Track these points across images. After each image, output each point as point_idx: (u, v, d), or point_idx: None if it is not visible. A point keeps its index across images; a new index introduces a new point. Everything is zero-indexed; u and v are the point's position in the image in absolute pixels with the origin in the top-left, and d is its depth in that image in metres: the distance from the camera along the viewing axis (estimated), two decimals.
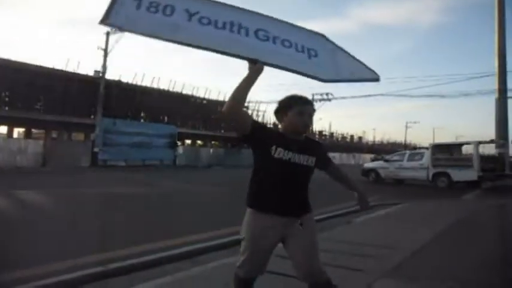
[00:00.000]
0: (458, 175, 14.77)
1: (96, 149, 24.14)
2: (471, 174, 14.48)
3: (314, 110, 2.25)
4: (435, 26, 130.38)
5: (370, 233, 5.71)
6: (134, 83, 35.38)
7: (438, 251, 4.71)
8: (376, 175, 17.94)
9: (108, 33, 26.00)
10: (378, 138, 78.60)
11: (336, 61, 2.45)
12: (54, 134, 31.70)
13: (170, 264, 4.02)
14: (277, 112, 2.25)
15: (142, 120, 35.37)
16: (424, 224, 6.47)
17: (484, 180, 14.81)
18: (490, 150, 20.71)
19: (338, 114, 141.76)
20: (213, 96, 42.29)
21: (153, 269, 3.85)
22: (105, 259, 3.99)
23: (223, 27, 2.35)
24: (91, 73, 29.13)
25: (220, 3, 2.45)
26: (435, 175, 15.37)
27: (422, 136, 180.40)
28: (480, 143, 15.86)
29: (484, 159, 15.76)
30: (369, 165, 20.38)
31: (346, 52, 2.51)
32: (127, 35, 26.25)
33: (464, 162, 15.18)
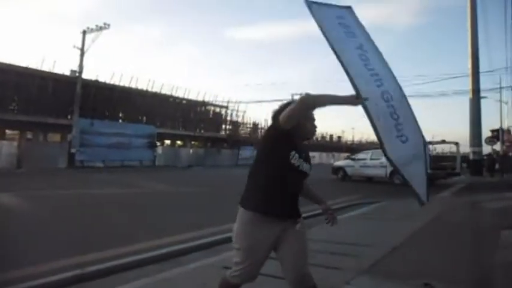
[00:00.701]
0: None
1: (73, 150, 23.69)
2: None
3: None
4: (411, 27, 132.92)
5: (349, 232, 5.78)
6: (112, 82, 34.90)
7: (415, 248, 4.82)
8: (344, 173, 18.70)
9: (84, 32, 25.54)
10: (356, 138, 79.59)
11: (412, 162, 2.71)
12: (29, 135, 30.95)
13: (150, 265, 4.00)
14: (279, 115, 2.17)
15: (120, 121, 34.91)
16: (401, 221, 6.60)
17: (434, 177, 15.48)
18: (465, 149, 21.23)
19: (317, 113, 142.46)
20: (193, 96, 42.11)
21: (133, 270, 3.82)
22: (82, 262, 3.94)
23: (370, 69, 2.61)
24: (67, 72, 28.55)
25: (382, 60, 2.78)
26: (392, 173, 16.04)
27: None
28: (430, 143, 16.97)
29: (436, 158, 16.77)
30: (338, 163, 21.09)
31: (425, 169, 2.78)
32: (104, 33, 25.86)
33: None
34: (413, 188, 2.61)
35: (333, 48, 2.45)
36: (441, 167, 16.49)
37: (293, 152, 2.08)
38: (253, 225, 2.09)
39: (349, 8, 3.02)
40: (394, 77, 2.79)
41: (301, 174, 2.15)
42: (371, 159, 17.91)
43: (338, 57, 2.43)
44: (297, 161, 2.09)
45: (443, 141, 19.70)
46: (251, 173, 2.20)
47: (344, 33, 2.69)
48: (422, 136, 2.80)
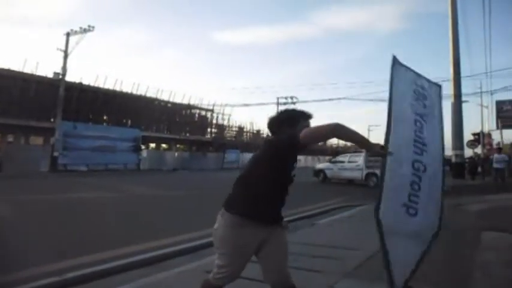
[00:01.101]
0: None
1: (55, 154, 23.31)
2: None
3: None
4: (394, 32, 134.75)
5: (333, 235, 5.81)
6: (96, 85, 34.49)
7: None
8: (324, 175, 19.47)
9: (68, 34, 25.24)
10: (341, 142, 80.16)
11: (409, 239, 2.62)
12: (10, 138, 30.35)
13: (134, 270, 3.94)
14: (280, 123, 2.25)
15: (104, 124, 34.51)
16: None
17: None
18: (448, 152, 21.65)
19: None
20: (178, 99, 41.87)
21: (116, 276, 3.76)
22: (62, 268, 3.86)
23: (418, 137, 2.57)
24: (50, 75, 28.07)
25: (439, 141, 2.75)
26: (367, 175, 16.98)
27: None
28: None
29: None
30: (319, 166, 21.70)
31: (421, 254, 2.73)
32: (88, 36, 25.58)
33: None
34: (390, 267, 2.55)
35: (390, 97, 2.48)
36: None
37: (295, 164, 2.19)
38: (238, 229, 2.07)
39: (438, 85, 3.02)
40: (440, 159, 2.75)
41: (292, 181, 2.22)
42: (348, 161, 18.70)
43: (390, 105, 2.46)
44: (293, 172, 2.18)
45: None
46: (243, 177, 2.18)
47: (412, 96, 2.68)
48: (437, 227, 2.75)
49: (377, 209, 2.34)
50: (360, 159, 17.94)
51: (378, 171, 15.97)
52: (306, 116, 2.28)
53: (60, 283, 3.50)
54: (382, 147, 2.19)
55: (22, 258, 4.38)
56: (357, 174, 17.71)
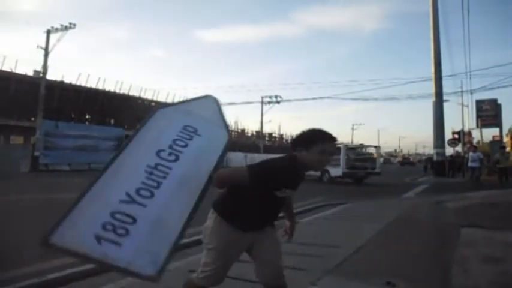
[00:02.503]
0: (333, 172, 17.36)
1: (36, 153, 22.88)
2: (339, 171, 17.42)
3: (336, 147, 2.17)
4: (377, 31, 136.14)
5: (316, 233, 5.85)
6: (78, 83, 34.01)
7: (379, 247, 4.93)
8: None
9: (48, 32, 24.81)
10: None
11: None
12: None
13: (115, 271, 3.89)
14: (297, 144, 2.11)
15: (87, 123, 34.06)
16: (367, 222, 6.73)
17: (357, 176, 18.02)
18: (430, 150, 22.03)
19: (287, 116, 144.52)
20: (162, 98, 41.58)
21: (96, 277, 3.71)
22: (43, 269, 3.79)
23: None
24: (30, 73, 27.57)
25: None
26: (322, 172, 17.39)
27: (368, 137, 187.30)
28: (346, 146, 19.43)
29: (356, 159, 18.90)
30: None
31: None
32: (69, 33, 25.20)
33: (337, 161, 17.46)
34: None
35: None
36: (362, 167, 18.63)
37: (283, 189, 2.07)
38: (227, 227, 2.10)
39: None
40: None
41: (284, 198, 2.16)
42: None
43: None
44: (285, 192, 2.09)
45: (362, 145, 21.73)
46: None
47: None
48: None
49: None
50: None
51: (329, 168, 17.32)
52: (325, 138, 2.07)
53: (40, 284, 3.44)
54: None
55: (1, 260, 4.30)
56: (315, 172, 18.11)
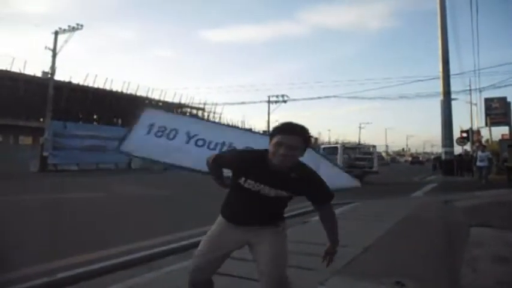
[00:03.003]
0: None
1: (45, 153, 23.08)
2: None
3: (302, 141, 2.04)
4: (383, 30, 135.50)
5: (323, 232, 5.82)
6: (86, 84, 34.23)
7: (387, 247, 4.90)
8: None
9: (56, 33, 24.99)
10: (333, 139, 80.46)
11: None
12: None
13: (122, 271, 3.92)
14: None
15: (95, 123, 34.28)
16: (374, 221, 6.71)
17: (354, 175, 17.46)
18: (438, 149, 21.94)
19: (293, 115, 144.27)
20: (169, 98, 41.72)
21: (103, 276, 3.74)
22: (51, 269, 3.83)
23: (214, 148, 2.98)
24: (39, 74, 27.76)
25: (216, 125, 3.24)
26: None
27: (376, 137, 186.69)
28: (344, 145, 20.80)
29: (354, 158, 19.42)
30: None
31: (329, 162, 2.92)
32: (77, 34, 25.37)
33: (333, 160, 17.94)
34: (338, 187, 3.03)
35: (168, 164, 3.23)
36: (360, 166, 18.88)
37: (243, 179, 2.09)
38: (224, 224, 2.21)
39: (144, 110, 4.02)
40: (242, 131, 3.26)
41: (265, 198, 2.11)
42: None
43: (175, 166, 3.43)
44: (252, 186, 2.08)
45: (359, 145, 23.09)
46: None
47: (167, 139, 3.26)
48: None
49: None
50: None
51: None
52: (280, 130, 2.05)
53: (50, 284, 3.47)
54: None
55: (11, 259, 4.34)
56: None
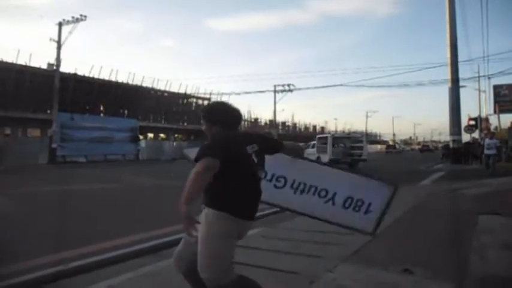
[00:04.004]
0: (323, 158, 19.04)
1: (54, 145, 23.27)
2: (326, 158, 19.34)
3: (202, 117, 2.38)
4: (391, 16, 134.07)
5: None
6: (91, 75, 34.30)
7: (396, 235, 4.90)
8: None
9: (60, 24, 24.97)
10: (339, 128, 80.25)
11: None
12: (7, 131, 30.26)
13: (133, 260, 3.98)
14: None
15: (101, 115, 34.42)
16: None
17: (336, 162, 18.69)
18: (446, 137, 21.83)
19: (300, 104, 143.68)
20: (174, 88, 41.70)
21: (115, 265, 3.80)
22: (64, 258, 3.90)
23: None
24: (44, 66, 27.87)
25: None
26: (317, 158, 18.74)
27: (383, 125, 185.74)
28: (333, 135, 23.00)
29: (344, 147, 21.54)
30: None
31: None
32: (81, 25, 25.36)
33: (325, 149, 20.41)
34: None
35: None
36: (351, 154, 20.94)
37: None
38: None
39: None
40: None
41: None
42: (311, 147, 22.12)
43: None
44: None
45: (349, 134, 25.14)
46: None
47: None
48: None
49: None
50: (315, 145, 21.82)
51: (321, 155, 19.71)
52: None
53: (63, 272, 3.54)
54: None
55: (24, 249, 4.42)
56: (313, 158, 19.62)
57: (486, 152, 14.60)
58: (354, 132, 23.55)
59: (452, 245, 4.38)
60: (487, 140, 15.09)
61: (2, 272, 3.50)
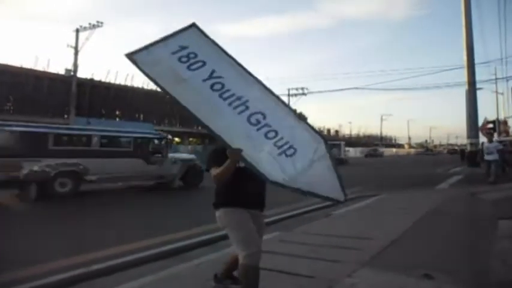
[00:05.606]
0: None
1: None
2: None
3: None
4: (407, 20, 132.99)
5: (349, 225, 5.84)
6: (108, 81, 34.79)
7: (414, 239, 4.87)
8: None
9: (77, 31, 25.44)
10: (354, 132, 79.71)
11: (311, 166, 2.43)
12: None
13: (155, 262, 4.04)
14: None
15: (117, 119, 34.84)
16: (401, 214, 6.66)
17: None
18: (463, 140, 21.56)
19: (314, 108, 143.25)
20: None
21: (137, 268, 3.85)
22: (87, 261, 3.97)
23: (228, 97, 2.45)
24: (62, 71, 28.39)
25: (247, 74, 2.67)
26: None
27: (398, 128, 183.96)
28: (328, 141, 24.23)
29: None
30: None
31: (331, 167, 2.48)
32: (97, 31, 25.77)
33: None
34: (318, 192, 2.32)
35: (170, 95, 2.35)
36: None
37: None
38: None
39: (191, 26, 2.78)
40: (264, 89, 2.65)
41: None
42: None
43: (178, 103, 2.34)
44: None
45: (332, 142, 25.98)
46: None
47: (187, 69, 2.51)
48: (320, 137, 2.71)
49: (265, 179, 2.26)
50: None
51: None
52: None
53: (86, 274, 3.61)
54: (230, 150, 2.28)
55: (48, 251, 4.51)
56: None
57: (486, 157, 12.13)
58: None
59: (473, 250, 4.32)
60: (486, 144, 12.70)
61: (22, 275, 3.57)
